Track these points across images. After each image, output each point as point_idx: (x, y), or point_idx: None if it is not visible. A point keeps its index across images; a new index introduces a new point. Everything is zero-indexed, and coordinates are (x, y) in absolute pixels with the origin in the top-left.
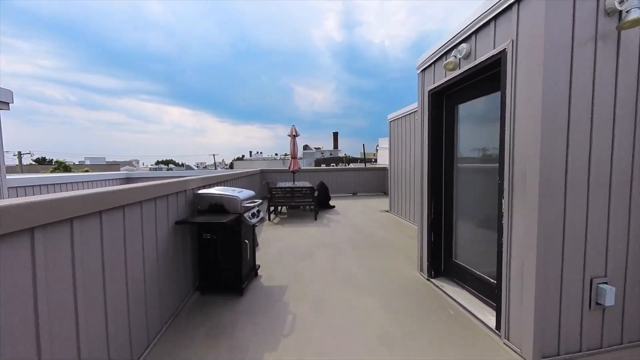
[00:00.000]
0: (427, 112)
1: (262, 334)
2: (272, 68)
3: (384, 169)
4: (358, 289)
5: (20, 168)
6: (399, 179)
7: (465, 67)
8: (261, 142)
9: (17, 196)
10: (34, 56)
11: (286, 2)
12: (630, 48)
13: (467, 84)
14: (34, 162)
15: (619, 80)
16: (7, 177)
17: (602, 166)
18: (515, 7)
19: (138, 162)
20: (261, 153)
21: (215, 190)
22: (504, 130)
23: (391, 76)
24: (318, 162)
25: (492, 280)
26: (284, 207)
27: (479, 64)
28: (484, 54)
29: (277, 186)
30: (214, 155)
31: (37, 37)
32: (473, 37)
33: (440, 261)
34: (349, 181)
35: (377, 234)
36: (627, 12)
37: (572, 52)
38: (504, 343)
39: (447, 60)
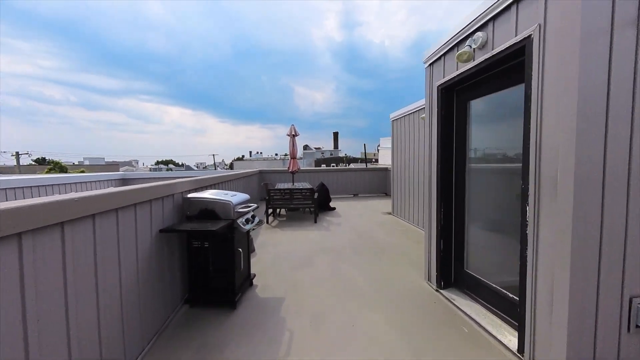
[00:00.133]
0: (436, 109)
1: (255, 355)
2: (272, 68)
3: (386, 170)
4: (361, 302)
5: (18, 169)
6: (402, 180)
7: (480, 58)
8: (261, 142)
9: None
10: (34, 56)
11: (286, 2)
12: None
13: (482, 77)
14: (34, 163)
15: None
16: None
17: None
18: None
19: (137, 163)
20: (261, 153)
21: (206, 195)
22: (529, 127)
23: (391, 76)
24: (318, 162)
25: (511, 295)
26: (282, 209)
27: (497, 54)
28: (503, 43)
29: (276, 188)
30: (213, 155)
31: (37, 37)
32: (490, 25)
33: (451, 271)
34: (349, 182)
35: (380, 238)
36: None
37: (611, 36)
38: None
39: (461, 51)
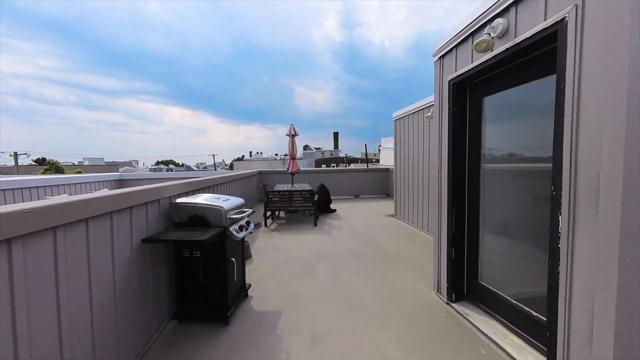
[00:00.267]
0: (447, 106)
1: None
2: (273, 68)
3: (387, 170)
4: (366, 317)
5: (17, 169)
6: (405, 181)
7: (499, 48)
8: (262, 142)
9: None
10: (35, 57)
11: (286, 2)
12: None
13: (500, 70)
14: (34, 163)
15: None
16: None
17: None
18: None
19: (137, 163)
20: (261, 153)
21: (195, 200)
22: (562, 125)
23: (391, 76)
24: (318, 163)
25: (535, 313)
26: (281, 212)
27: (520, 42)
28: (528, 30)
29: (275, 189)
30: (213, 155)
31: (38, 38)
32: (512, 9)
33: (463, 282)
34: (350, 183)
35: (383, 242)
36: None
37: None
38: None
39: (480, 39)
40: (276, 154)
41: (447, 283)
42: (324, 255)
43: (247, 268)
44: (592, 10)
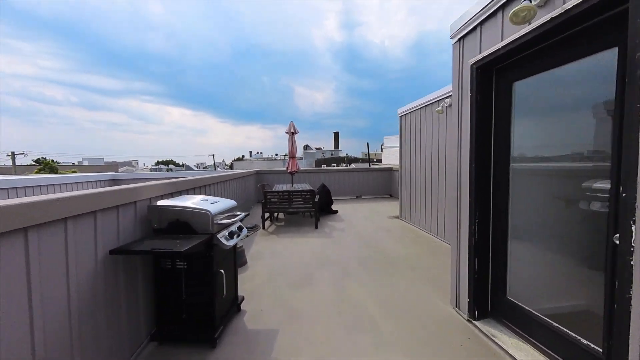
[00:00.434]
0: (468, 94)
1: None
2: (273, 68)
3: (390, 170)
4: (374, 336)
5: (14, 169)
6: (411, 181)
7: (542, 18)
8: (262, 142)
9: None
10: (35, 57)
11: (286, 2)
12: None
13: (537, 48)
14: (34, 163)
15: None
16: None
17: None
18: None
19: (137, 163)
20: (261, 153)
21: (177, 202)
22: (638, 105)
23: (391, 76)
24: (319, 163)
25: (585, 342)
26: (281, 213)
27: (572, 8)
28: None
29: (274, 190)
30: (213, 155)
31: (38, 38)
32: None
33: (487, 297)
34: (352, 183)
35: (389, 247)
36: None
37: None
38: None
39: (520, 6)
40: (276, 154)
41: (469, 298)
42: (326, 262)
43: (242, 276)
44: None
